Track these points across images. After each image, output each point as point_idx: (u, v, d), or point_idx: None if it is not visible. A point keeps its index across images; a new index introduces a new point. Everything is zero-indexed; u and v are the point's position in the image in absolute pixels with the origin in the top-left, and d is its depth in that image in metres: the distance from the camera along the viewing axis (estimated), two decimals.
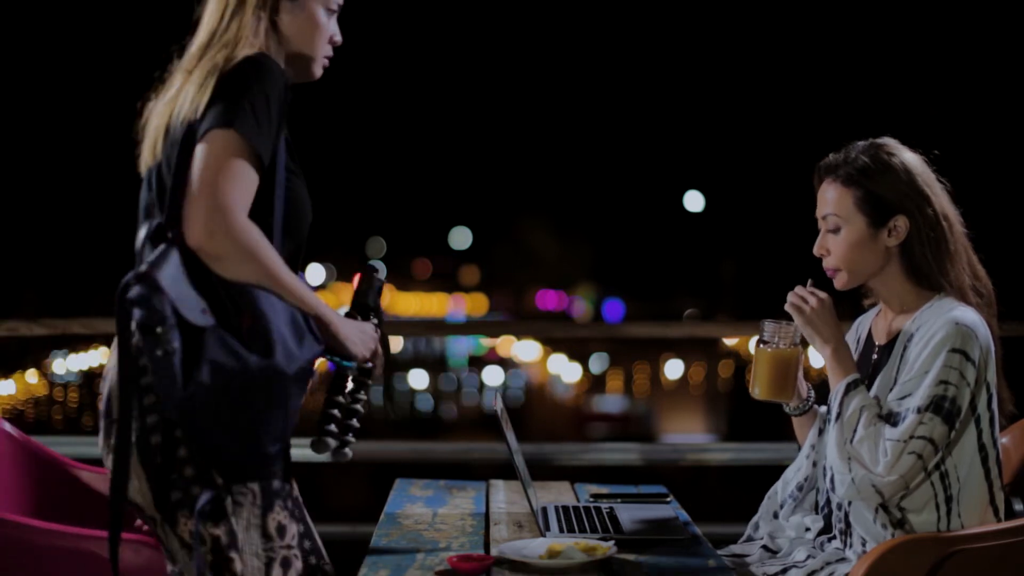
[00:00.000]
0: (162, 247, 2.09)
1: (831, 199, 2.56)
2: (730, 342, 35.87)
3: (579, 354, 38.43)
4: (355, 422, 2.29)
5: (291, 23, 2.35)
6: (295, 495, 2.24)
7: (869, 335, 2.67)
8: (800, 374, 2.67)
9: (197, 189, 2.08)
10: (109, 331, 2.48)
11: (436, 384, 40.90)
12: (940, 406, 2.39)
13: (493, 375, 39.85)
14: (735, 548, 2.72)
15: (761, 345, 2.63)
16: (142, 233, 2.18)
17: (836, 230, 2.55)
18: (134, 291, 2.02)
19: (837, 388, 2.50)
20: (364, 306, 2.36)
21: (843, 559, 2.47)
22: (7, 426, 2.71)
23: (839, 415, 2.47)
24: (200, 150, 2.11)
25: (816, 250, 2.60)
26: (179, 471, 2.10)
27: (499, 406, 2.65)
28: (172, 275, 2.05)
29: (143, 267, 2.04)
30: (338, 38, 2.45)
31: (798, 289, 2.56)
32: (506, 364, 41.35)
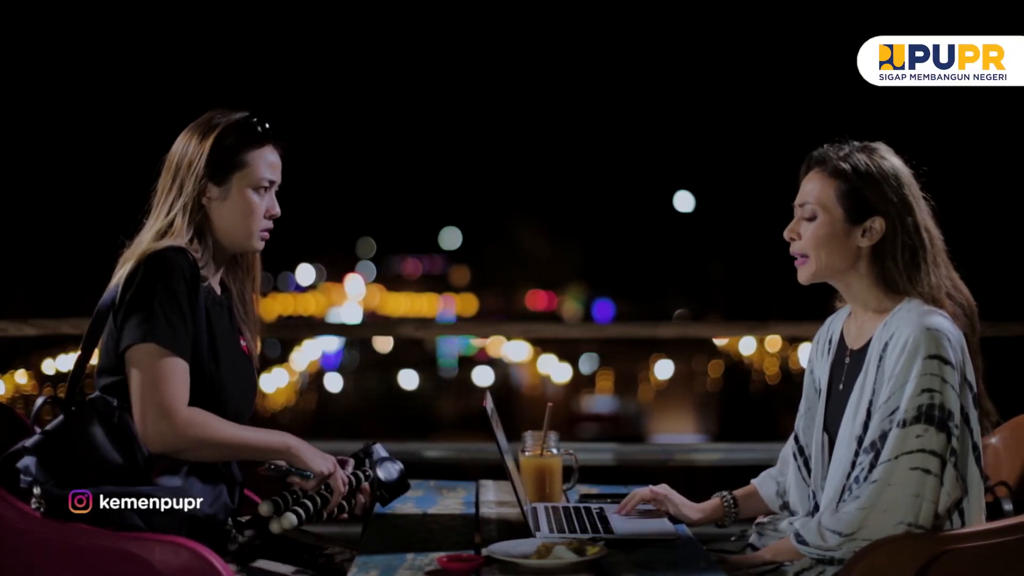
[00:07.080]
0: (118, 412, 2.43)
1: (814, 188, 2.54)
2: (720, 342, 35.90)
3: (569, 354, 38.37)
4: (300, 511, 2.47)
5: (220, 206, 2.57)
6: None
7: (841, 338, 2.65)
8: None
9: (140, 405, 2.39)
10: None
11: (426, 384, 40.81)
12: (930, 415, 2.37)
13: (483, 375, 39.80)
14: (725, 547, 2.72)
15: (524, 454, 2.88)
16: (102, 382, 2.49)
17: (812, 218, 2.54)
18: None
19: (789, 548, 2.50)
20: (360, 460, 2.65)
21: (831, 560, 2.46)
22: None
23: (807, 543, 2.45)
24: (131, 370, 2.41)
25: (787, 233, 2.58)
26: None
27: (489, 406, 2.65)
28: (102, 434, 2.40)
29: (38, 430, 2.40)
30: (276, 211, 2.65)
31: None
32: (496, 364, 41.32)
